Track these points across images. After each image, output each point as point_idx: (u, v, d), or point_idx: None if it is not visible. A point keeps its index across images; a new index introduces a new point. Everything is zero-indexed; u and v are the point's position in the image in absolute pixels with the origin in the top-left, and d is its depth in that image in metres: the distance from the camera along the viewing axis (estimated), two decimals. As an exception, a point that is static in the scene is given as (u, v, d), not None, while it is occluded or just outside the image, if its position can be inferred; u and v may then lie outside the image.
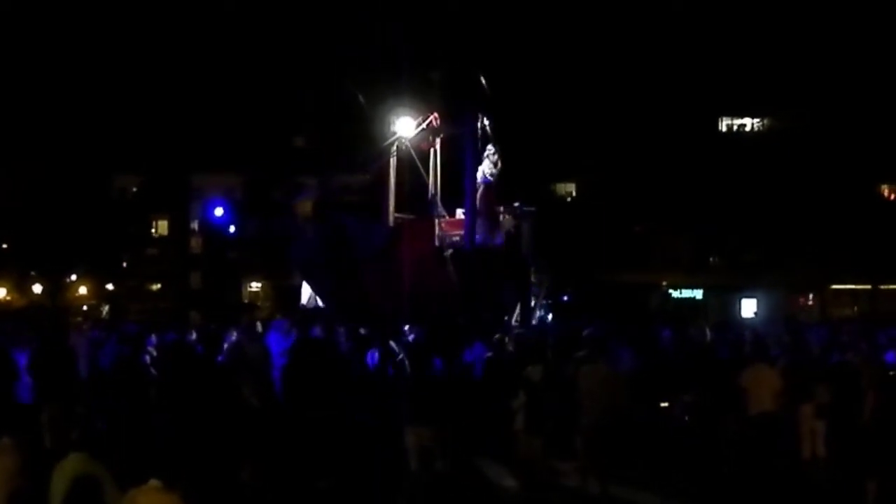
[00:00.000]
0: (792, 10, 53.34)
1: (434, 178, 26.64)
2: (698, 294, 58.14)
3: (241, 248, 61.39)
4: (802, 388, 14.78)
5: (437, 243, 25.11)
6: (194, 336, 18.70)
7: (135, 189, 67.99)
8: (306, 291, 27.68)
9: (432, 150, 26.65)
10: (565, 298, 25.52)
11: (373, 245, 25.68)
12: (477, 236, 24.57)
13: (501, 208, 26.09)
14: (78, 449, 8.19)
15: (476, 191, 24.83)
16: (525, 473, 13.26)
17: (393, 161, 26.69)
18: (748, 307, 54.12)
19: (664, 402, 15.71)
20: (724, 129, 61.94)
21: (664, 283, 57.42)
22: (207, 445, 11.51)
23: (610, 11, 52.95)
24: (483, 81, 25.47)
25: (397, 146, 26.62)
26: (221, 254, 62.56)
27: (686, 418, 15.45)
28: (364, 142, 30.09)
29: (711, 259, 60.83)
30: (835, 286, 57.86)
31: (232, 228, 54.65)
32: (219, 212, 44.19)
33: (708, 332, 19.91)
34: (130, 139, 61.19)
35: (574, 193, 61.62)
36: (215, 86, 59.43)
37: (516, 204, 26.42)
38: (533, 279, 26.43)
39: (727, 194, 54.14)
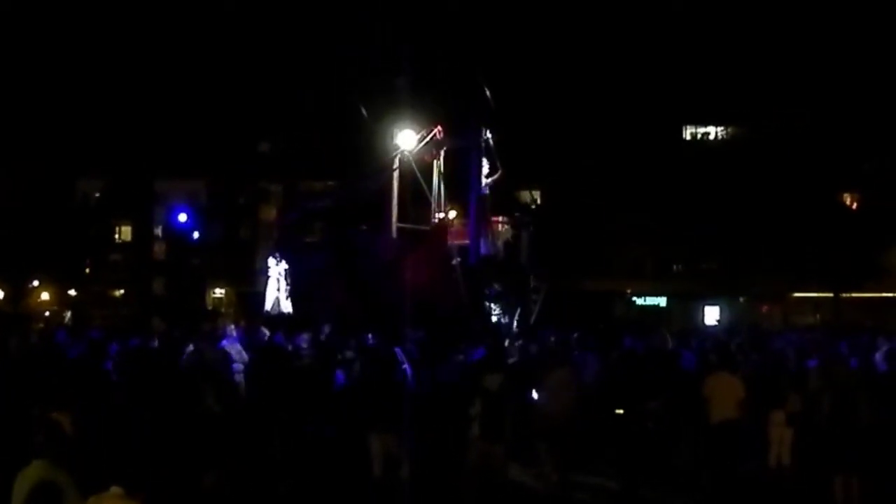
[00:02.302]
0: (756, 21, 53.80)
1: (438, 189, 27.04)
2: (662, 302, 58.42)
3: (205, 254, 61.12)
4: (771, 396, 14.87)
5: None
6: (157, 343, 18.58)
7: (98, 194, 67.51)
8: (270, 297, 27.70)
9: (435, 161, 27.01)
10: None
11: (386, 255, 25.93)
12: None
13: (501, 218, 26.69)
14: (40, 456, 8.12)
15: (479, 201, 25.43)
16: (482, 481, 13.23)
17: (396, 173, 27.05)
18: (711, 315, 54.49)
19: (624, 409, 15.76)
20: (689, 137, 62.34)
21: (628, 291, 57.66)
22: (169, 452, 11.44)
23: (574, 20, 53.21)
24: (488, 94, 25.95)
25: (399, 157, 26.93)
26: (185, 260, 62.25)
27: (650, 425, 15.49)
28: (366, 152, 30.38)
29: (675, 267, 61.15)
30: (797, 294, 58.28)
31: (196, 234, 54.44)
32: (182, 217, 43.99)
33: (669, 339, 20.01)
34: (94, 144, 60.75)
35: (539, 200, 61.81)
36: (180, 91, 59.17)
37: (517, 214, 27.16)
38: (532, 285, 27.03)
39: (691, 202, 54.44)
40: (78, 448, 8.85)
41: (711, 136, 62.64)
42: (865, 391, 13.35)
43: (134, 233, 67.97)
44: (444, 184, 27.21)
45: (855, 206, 58.75)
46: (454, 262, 25.18)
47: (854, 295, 55.00)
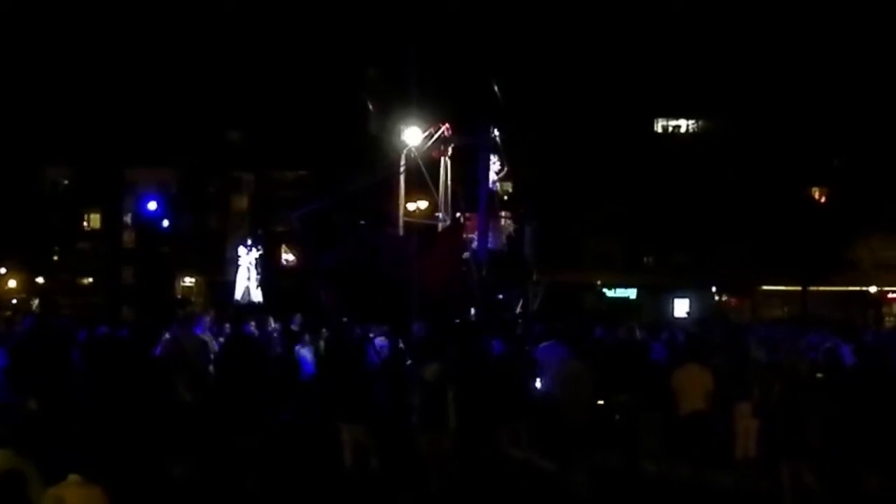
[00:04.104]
0: (728, 15, 54.01)
1: (445, 186, 27.41)
2: (632, 294, 58.65)
3: (175, 243, 60.87)
4: (739, 388, 14.96)
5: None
6: (127, 331, 18.50)
7: (66, 182, 67.04)
8: (240, 286, 27.66)
9: (443, 158, 27.38)
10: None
11: (407, 251, 26.25)
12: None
13: (503, 213, 27.20)
14: (4, 445, 8.07)
15: (488, 198, 25.92)
16: (425, 472, 13.20)
17: (402, 169, 27.36)
18: (681, 307, 54.75)
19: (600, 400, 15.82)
20: (659, 129, 62.54)
21: (598, 283, 57.83)
22: (135, 440, 11.41)
23: (546, 11, 53.26)
24: (497, 91, 26.39)
25: (406, 154, 27.23)
26: (154, 248, 61.94)
27: (616, 417, 15.56)
28: (371, 148, 30.79)
29: (645, 259, 61.40)
30: (766, 287, 58.67)
31: (165, 223, 54.18)
32: (152, 206, 43.70)
33: (637, 331, 20.10)
34: (62, 131, 60.29)
35: (510, 191, 61.81)
36: (150, 78, 58.81)
37: (522, 210, 27.65)
38: (535, 279, 27.59)
39: (661, 195, 54.66)
40: (43, 436, 8.81)
41: (682, 129, 62.87)
42: (816, 383, 13.63)
43: (103, 221, 67.51)
44: (454, 180, 27.68)
45: (823, 200, 59.15)
46: (465, 255, 25.74)
47: (822, 288, 55.41)
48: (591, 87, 53.82)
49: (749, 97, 54.35)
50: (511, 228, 27.60)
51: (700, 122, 62.22)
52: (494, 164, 26.54)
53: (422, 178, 27.72)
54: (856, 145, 54.07)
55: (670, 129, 62.70)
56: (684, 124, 62.71)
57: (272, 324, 19.20)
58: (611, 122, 55.04)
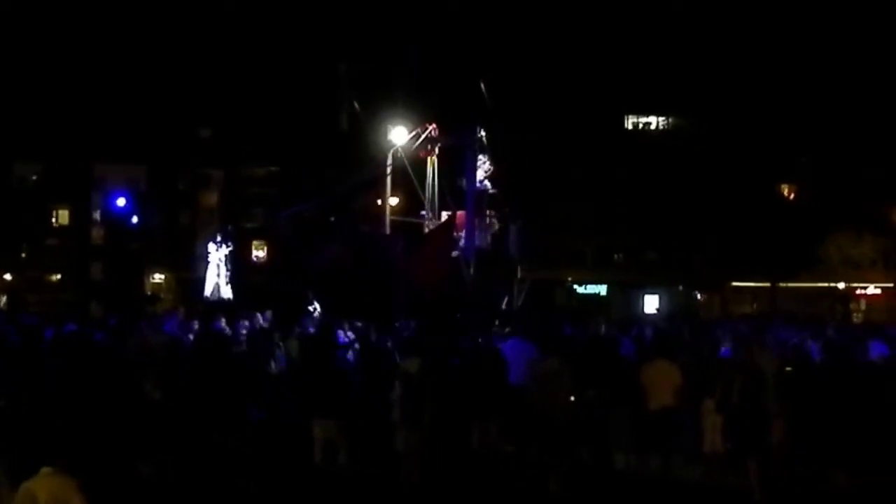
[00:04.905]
0: (699, 14, 54.24)
1: (431, 185, 27.60)
2: (602, 290, 58.85)
3: (145, 240, 60.50)
4: (705, 384, 15.05)
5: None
6: (96, 328, 18.39)
7: (35, 177, 66.43)
8: (210, 283, 27.58)
9: (429, 158, 27.53)
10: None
11: (399, 250, 26.35)
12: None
13: (489, 211, 27.43)
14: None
15: (475, 197, 26.14)
16: (404, 468, 13.19)
17: (389, 169, 27.53)
18: (651, 303, 55.01)
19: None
20: (630, 127, 62.73)
21: (569, 280, 57.99)
22: (102, 438, 11.34)
23: (519, 8, 53.31)
24: (484, 92, 26.63)
25: (392, 153, 27.39)
26: (124, 245, 61.52)
27: (586, 413, 15.60)
28: (343, 145, 30.94)
29: (615, 256, 61.62)
30: (735, 283, 59.00)
31: (135, 219, 53.89)
32: (121, 202, 43.56)
33: (603, 327, 20.24)
34: (31, 126, 59.79)
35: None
36: (120, 73, 58.43)
37: (507, 210, 27.89)
38: (519, 276, 27.88)
39: (632, 192, 54.87)
40: (12, 432, 8.77)
41: (653, 126, 63.08)
42: (784, 379, 13.81)
43: (72, 217, 66.91)
44: (441, 179, 27.92)
45: (792, 197, 59.54)
46: (454, 254, 25.95)
47: (791, 285, 55.80)
48: (562, 85, 53.91)
49: (719, 95, 54.63)
50: (496, 227, 27.88)
51: (670, 120, 62.47)
52: (484, 163, 26.84)
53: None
54: (824, 143, 54.45)
55: (640, 126, 62.90)
56: (654, 121, 62.92)
57: (260, 321, 19.12)
58: (582, 119, 55.19)
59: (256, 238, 60.38)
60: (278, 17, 56.65)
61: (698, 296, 60.13)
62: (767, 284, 56.24)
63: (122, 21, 57.99)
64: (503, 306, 26.59)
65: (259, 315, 19.36)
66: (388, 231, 27.97)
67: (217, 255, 28.30)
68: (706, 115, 56.85)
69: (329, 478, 13.31)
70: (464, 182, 28.06)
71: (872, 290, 58.61)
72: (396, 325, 18.92)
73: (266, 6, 57.32)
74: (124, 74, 58.28)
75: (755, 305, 57.69)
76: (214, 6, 57.21)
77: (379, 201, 28.85)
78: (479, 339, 17.05)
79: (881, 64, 52.55)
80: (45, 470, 7.28)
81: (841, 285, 57.31)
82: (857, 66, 52.93)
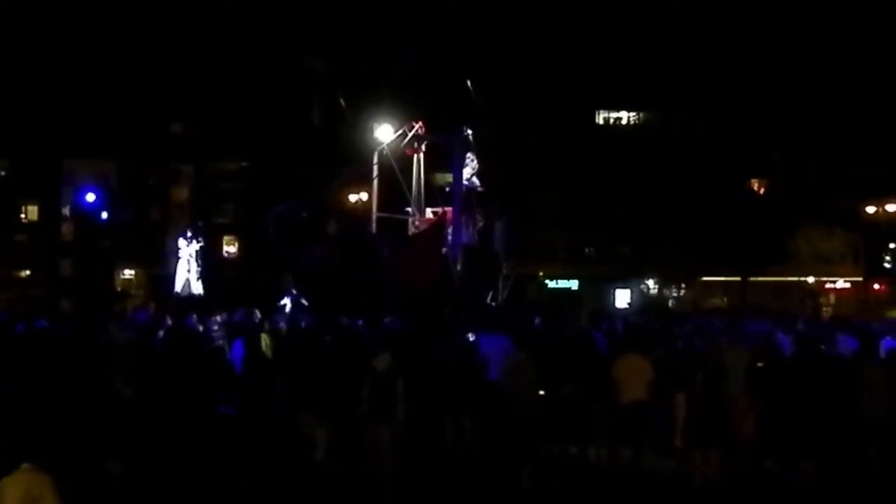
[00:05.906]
0: (669, 9, 54.41)
1: (417, 183, 27.78)
2: (574, 285, 59.00)
3: (115, 235, 60.19)
4: (677, 378, 15.12)
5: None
6: (66, 325, 18.28)
7: (3, 173, 65.95)
8: (180, 279, 27.46)
9: (416, 156, 27.70)
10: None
11: (394, 248, 26.48)
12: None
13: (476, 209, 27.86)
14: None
15: (462, 194, 26.40)
16: (373, 463, 13.17)
17: (376, 167, 27.69)
18: (622, 297, 55.20)
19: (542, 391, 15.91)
20: (601, 121, 62.90)
21: (540, 274, 58.08)
22: (73, 435, 11.28)
23: (495, 7, 53.35)
24: (472, 91, 26.90)
25: (379, 151, 27.53)
26: (93, 241, 61.17)
27: (560, 408, 15.64)
28: (342, 145, 31.11)
29: (587, 250, 61.76)
30: (706, 278, 59.29)
31: (104, 215, 53.57)
32: (91, 197, 43.27)
33: (583, 321, 20.30)
34: (-1, 121, 59.38)
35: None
36: (90, 68, 58.08)
37: (492, 206, 28.28)
38: (504, 271, 28.21)
39: (603, 187, 55.01)
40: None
41: (624, 122, 63.28)
42: (755, 372, 14.03)
43: (41, 213, 66.48)
44: (427, 177, 28.15)
45: (763, 192, 59.89)
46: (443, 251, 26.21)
47: (761, 279, 56.12)
48: (533, 81, 53.98)
49: (690, 90, 54.85)
50: (480, 223, 28.12)
51: (641, 115, 62.67)
52: (472, 161, 27.09)
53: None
54: (795, 139, 54.80)
55: (611, 121, 63.08)
56: (625, 116, 63.12)
57: (258, 315, 18.97)
58: (553, 113, 55.27)
59: (227, 233, 60.21)
60: (251, 13, 56.41)
61: (670, 290, 60.42)
62: (738, 279, 56.53)
63: (93, 16, 57.61)
64: (488, 301, 26.82)
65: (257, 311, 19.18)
66: (374, 229, 28.15)
67: (187, 250, 28.14)
68: (677, 110, 57.11)
69: (307, 474, 13.29)
70: (450, 179, 28.37)
71: (842, 284, 59.11)
72: (385, 321, 18.89)
73: (239, 1, 57.09)
74: (94, 68, 57.94)
75: (725, 299, 58.00)
76: (187, 2, 56.93)
77: (351, 197, 28.96)
78: (462, 335, 17.01)
79: (853, 60, 52.93)
80: (24, 466, 7.41)
81: (811, 279, 57.72)
82: (829, 62, 53.26)
